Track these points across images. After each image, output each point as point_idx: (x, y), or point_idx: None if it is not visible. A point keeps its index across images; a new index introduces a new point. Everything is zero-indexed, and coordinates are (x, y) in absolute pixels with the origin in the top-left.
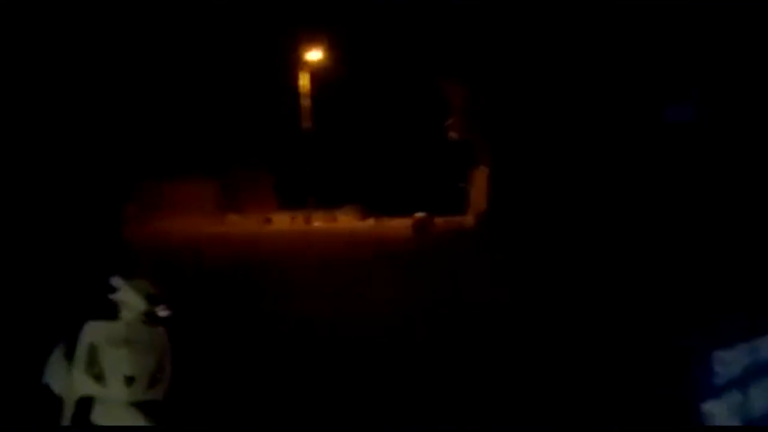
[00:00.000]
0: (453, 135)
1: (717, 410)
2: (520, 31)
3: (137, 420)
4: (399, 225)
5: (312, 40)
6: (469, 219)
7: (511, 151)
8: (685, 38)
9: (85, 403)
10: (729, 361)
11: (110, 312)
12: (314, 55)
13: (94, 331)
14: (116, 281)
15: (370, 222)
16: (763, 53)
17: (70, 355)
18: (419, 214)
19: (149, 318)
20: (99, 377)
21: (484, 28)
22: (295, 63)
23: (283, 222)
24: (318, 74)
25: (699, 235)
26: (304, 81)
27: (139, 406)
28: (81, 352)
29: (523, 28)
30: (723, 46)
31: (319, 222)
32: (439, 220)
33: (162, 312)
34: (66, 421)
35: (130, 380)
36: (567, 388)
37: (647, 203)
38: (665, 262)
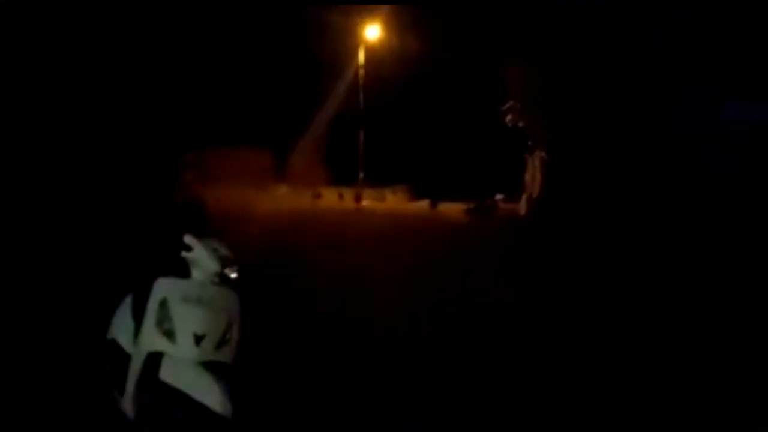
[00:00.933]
0: (510, 119)
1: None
2: (582, 15)
3: (204, 379)
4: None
5: (370, 17)
6: (522, 205)
7: (568, 138)
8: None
9: (154, 360)
10: None
11: (182, 270)
12: (372, 32)
13: (166, 288)
14: (189, 240)
15: (423, 204)
16: None
17: (138, 311)
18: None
19: (221, 279)
20: (169, 333)
21: (546, 13)
22: (353, 39)
23: (332, 198)
24: (375, 52)
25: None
26: (360, 57)
27: (207, 366)
28: (152, 307)
29: (587, 12)
30: None
31: (368, 201)
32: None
33: (233, 273)
34: (133, 376)
35: (199, 339)
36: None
37: (703, 201)
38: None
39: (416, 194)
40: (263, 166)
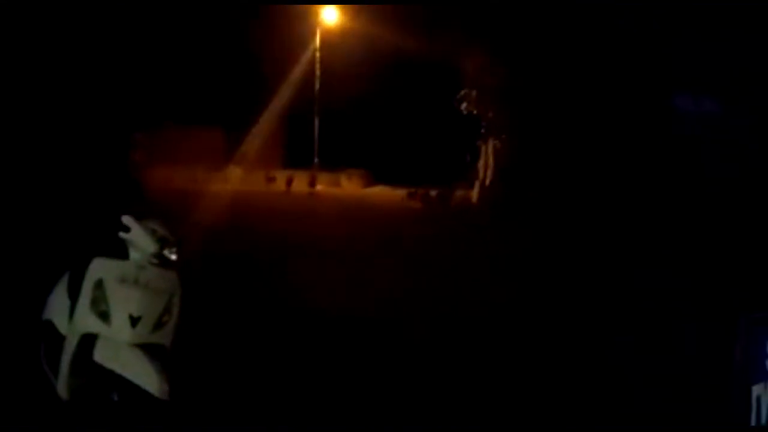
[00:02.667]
0: (465, 107)
1: (763, 396)
2: (538, 7)
3: (140, 361)
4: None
5: (328, 1)
6: (473, 193)
7: (521, 128)
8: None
9: (88, 341)
10: None
11: (120, 251)
12: (330, 15)
13: (102, 268)
14: (127, 220)
15: (377, 190)
16: None
17: (73, 292)
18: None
19: (160, 260)
20: (104, 315)
21: (506, 4)
22: (310, 21)
23: (285, 182)
24: (333, 36)
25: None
26: (317, 40)
27: (144, 348)
28: (87, 288)
29: (541, 4)
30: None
31: (322, 186)
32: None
33: (172, 255)
34: (67, 357)
35: (135, 321)
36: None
37: (653, 188)
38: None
39: (371, 179)
40: (217, 147)
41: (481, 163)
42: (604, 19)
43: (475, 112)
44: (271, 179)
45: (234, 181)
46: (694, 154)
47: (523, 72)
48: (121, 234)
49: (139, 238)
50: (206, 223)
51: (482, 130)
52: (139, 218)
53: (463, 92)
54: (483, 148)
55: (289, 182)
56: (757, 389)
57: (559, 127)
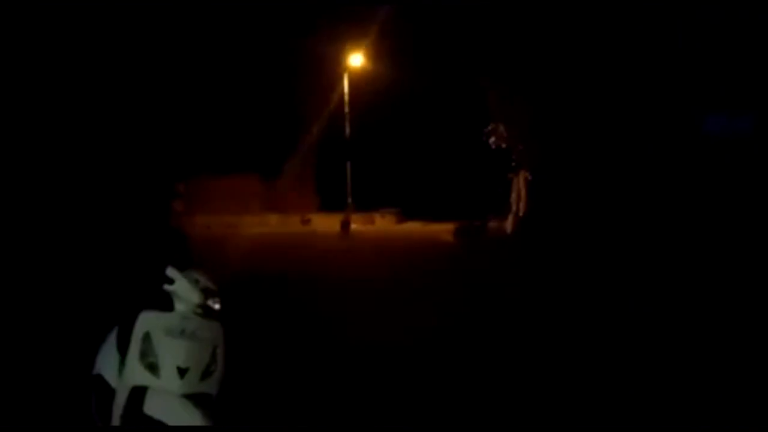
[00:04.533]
0: (493, 141)
1: None
2: (564, 38)
3: (189, 411)
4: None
5: (354, 45)
6: (507, 224)
7: (551, 159)
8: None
9: (139, 394)
10: None
11: (165, 303)
12: (356, 59)
13: (149, 321)
14: (171, 272)
15: (409, 225)
16: None
17: (122, 346)
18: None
19: (203, 310)
20: (153, 367)
21: (527, 35)
22: (338, 67)
23: (321, 223)
24: (359, 78)
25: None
26: (345, 84)
27: (192, 398)
28: (136, 341)
29: (567, 35)
30: None
31: (357, 224)
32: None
33: (216, 305)
34: (118, 410)
35: (183, 371)
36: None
37: (685, 216)
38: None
39: (404, 217)
40: (254, 193)
41: (513, 196)
42: (630, 47)
43: (504, 145)
44: (306, 221)
45: (271, 225)
46: (726, 180)
47: (550, 103)
48: (166, 286)
49: (183, 289)
50: (247, 266)
51: (512, 163)
52: (182, 269)
53: (491, 126)
54: (514, 181)
55: (345, 225)
56: None
57: (589, 157)
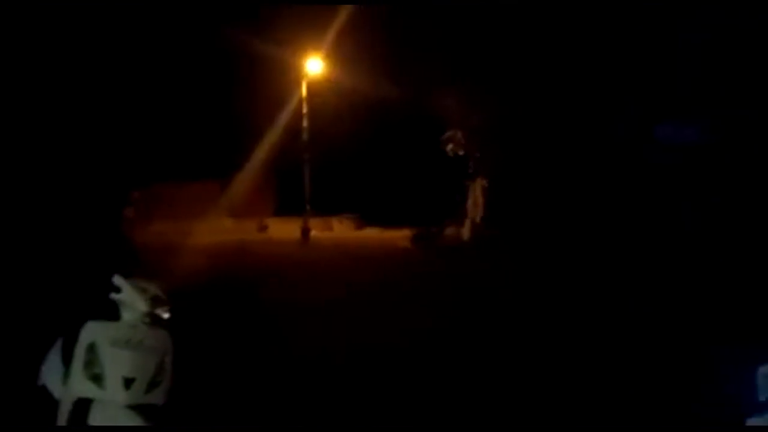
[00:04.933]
0: (450, 148)
1: (760, 425)
2: (521, 47)
3: (133, 423)
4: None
5: (312, 51)
6: (464, 231)
7: (507, 166)
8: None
9: (83, 405)
10: None
11: (111, 312)
12: (314, 64)
13: (94, 331)
14: (118, 280)
15: (368, 232)
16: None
17: (67, 356)
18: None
19: (151, 319)
20: (97, 378)
21: (486, 42)
22: (297, 71)
23: (279, 229)
24: (317, 85)
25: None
26: (303, 90)
27: (138, 409)
28: (80, 351)
29: (525, 44)
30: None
31: (315, 231)
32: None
33: (164, 314)
34: (62, 422)
35: (129, 382)
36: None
37: (641, 218)
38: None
39: (363, 222)
40: (211, 199)
41: (470, 203)
42: (585, 58)
43: (461, 152)
44: (263, 228)
45: (227, 231)
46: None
47: (508, 111)
48: (113, 295)
49: (130, 298)
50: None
51: (469, 170)
52: (130, 277)
53: (448, 133)
54: (471, 188)
55: (305, 232)
56: (752, 422)
57: (544, 163)
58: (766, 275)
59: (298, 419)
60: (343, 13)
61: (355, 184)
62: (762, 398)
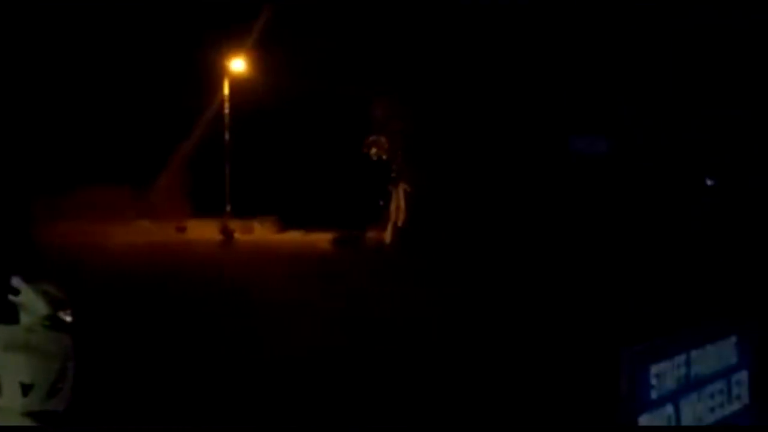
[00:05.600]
0: (374, 152)
1: (651, 423)
2: (446, 56)
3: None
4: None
5: (235, 50)
6: (386, 235)
7: (430, 170)
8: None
9: None
10: (663, 374)
11: (10, 315)
12: (237, 64)
13: None
14: (17, 282)
15: (289, 235)
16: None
17: None
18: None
19: (52, 322)
20: None
21: (411, 49)
22: (218, 71)
23: (198, 231)
24: (241, 84)
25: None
26: (225, 90)
27: (36, 416)
28: None
29: (450, 53)
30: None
31: (236, 232)
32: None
33: (66, 317)
34: None
35: (26, 388)
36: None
37: (558, 222)
38: (586, 276)
39: (284, 225)
40: (124, 203)
41: (392, 207)
42: (505, 66)
43: (384, 157)
44: (181, 229)
45: (144, 233)
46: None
47: (429, 116)
48: (11, 297)
49: (29, 300)
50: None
51: (392, 174)
52: (30, 279)
53: (372, 138)
54: (394, 192)
55: (228, 233)
56: (643, 419)
57: (465, 169)
58: (670, 275)
59: (210, 420)
60: (269, 14)
61: (277, 187)
62: (654, 396)
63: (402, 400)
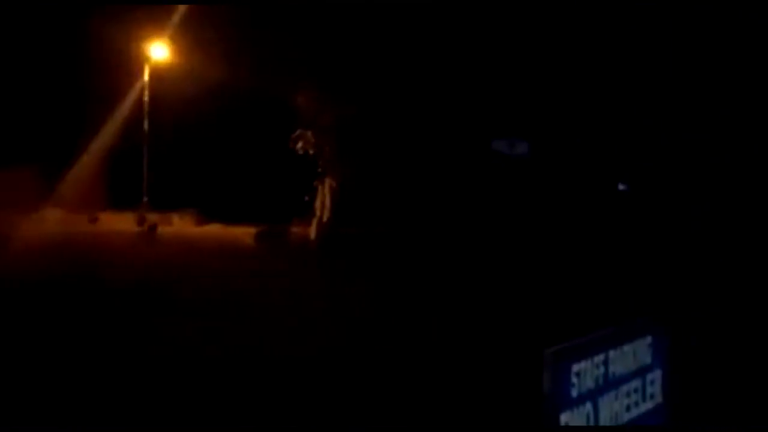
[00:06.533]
0: (300, 147)
1: (570, 422)
2: (376, 51)
3: None
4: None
5: (157, 35)
6: (311, 230)
7: (355, 166)
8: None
9: None
10: (583, 373)
11: None
12: (158, 51)
13: None
14: None
15: (210, 228)
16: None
17: None
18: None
19: None
20: None
21: (339, 44)
22: (137, 58)
23: (112, 222)
24: (162, 72)
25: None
26: (145, 76)
27: None
28: None
29: (379, 49)
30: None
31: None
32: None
33: None
34: None
35: None
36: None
37: (480, 221)
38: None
39: (205, 219)
40: (30, 187)
41: (318, 203)
42: (430, 68)
43: (311, 152)
44: (93, 220)
45: (53, 222)
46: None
47: (356, 113)
48: None
49: None
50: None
51: (318, 170)
52: None
53: (298, 132)
54: (320, 188)
55: (151, 226)
56: (564, 417)
57: (390, 167)
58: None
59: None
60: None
61: (198, 179)
62: (575, 395)
63: (332, 400)
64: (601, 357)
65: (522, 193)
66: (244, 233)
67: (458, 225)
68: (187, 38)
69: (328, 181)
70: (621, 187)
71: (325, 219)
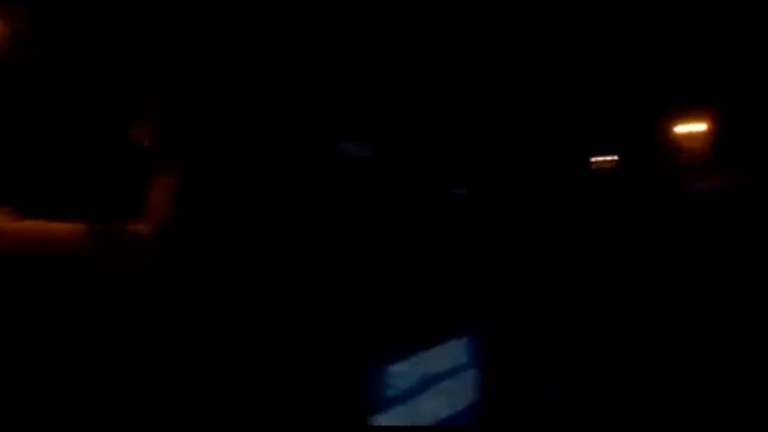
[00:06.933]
0: (138, 141)
1: (387, 422)
2: (218, 52)
3: None
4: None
5: None
6: (145, 226)
7: (198, 164)
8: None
9: None
10: (400, 374)
11: None
12: None
13: None
14: None
15: (33, 224)
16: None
17: None
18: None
19: None
20: None
21: (186, 37)
22: None
23: None
24: None
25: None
26: None
27: None
28: None
29: (222, 50)
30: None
31: None
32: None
33: None
34: None
35: None
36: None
37: (326, 221)
38: (341, 277)
39: (24, 215)
40: None
41: (156, 199)
42: (280, 69)
43: (150, 146)
44: None
45: None
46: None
47: (200, 109)
48: None
49: None
50: None
51: (156, 165)
52: None
53: (137, 126)
54: (157, 183)
55: None
56: (382, 417)
57: (234, 164)
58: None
59: None
60: None
61: (15, 173)
62: (391, 394)
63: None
64: (417, 358)
65: (364, 196)
66: (72, 230)
67: (303, 226)
68: (9, 19)
69: (168, 178)
70: (458, 191)
71: (164, 216)
